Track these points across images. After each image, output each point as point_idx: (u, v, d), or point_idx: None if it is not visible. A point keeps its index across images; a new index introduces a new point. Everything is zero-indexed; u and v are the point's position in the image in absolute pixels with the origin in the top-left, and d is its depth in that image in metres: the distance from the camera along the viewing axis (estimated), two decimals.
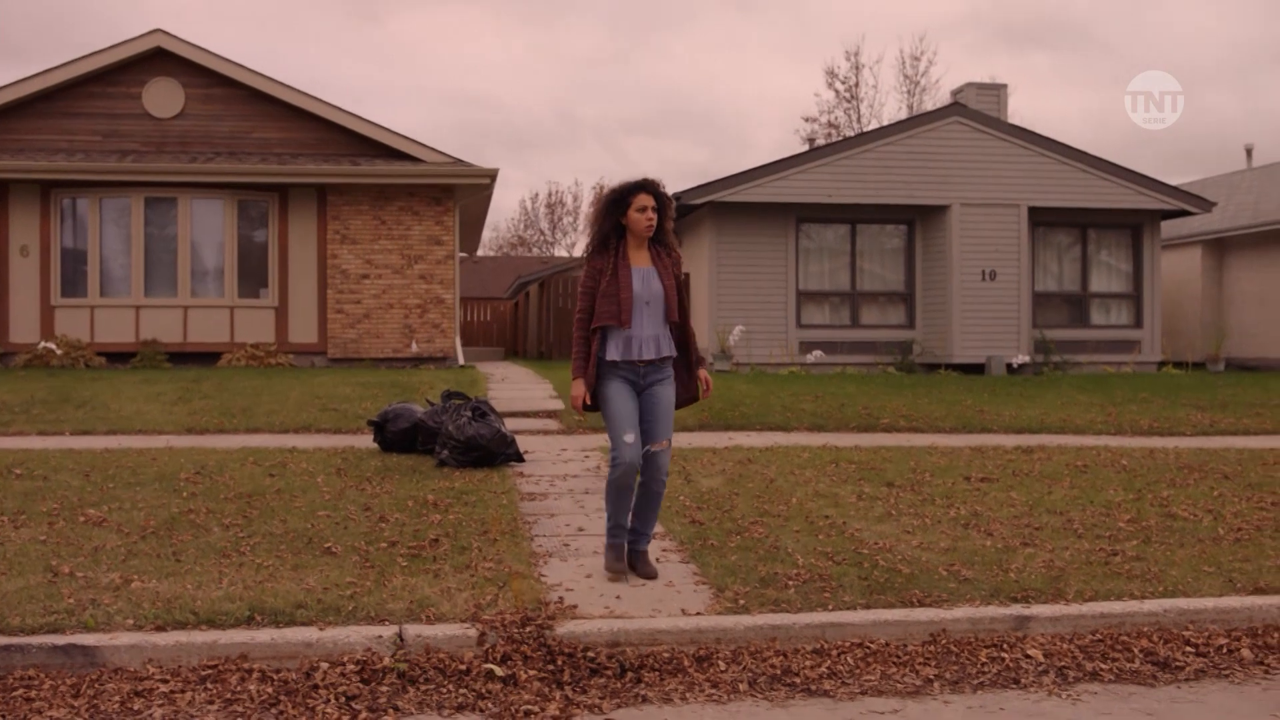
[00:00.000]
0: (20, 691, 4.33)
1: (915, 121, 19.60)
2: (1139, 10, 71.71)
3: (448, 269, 18.04)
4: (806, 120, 42.63)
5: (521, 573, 5.59)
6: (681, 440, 10.48)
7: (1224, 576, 5.78)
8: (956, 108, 19.40)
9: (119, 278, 17.39)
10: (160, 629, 4.74)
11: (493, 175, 17.74)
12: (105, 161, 17.07)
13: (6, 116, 17.67)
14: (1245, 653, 4.99)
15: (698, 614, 5.04)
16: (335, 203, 17.76)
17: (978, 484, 8.22)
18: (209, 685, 4.41)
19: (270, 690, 4.37)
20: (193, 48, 17.85)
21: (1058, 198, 19.13)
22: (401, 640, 4.72)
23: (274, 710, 4.23)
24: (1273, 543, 6.52)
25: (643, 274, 5.56)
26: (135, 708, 4.22)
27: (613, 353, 5.52)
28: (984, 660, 4.83)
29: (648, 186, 5.59)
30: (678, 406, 5.72)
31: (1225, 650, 5.01)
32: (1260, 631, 5.23)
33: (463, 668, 4.57)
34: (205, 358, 17.13)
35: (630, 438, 5.46)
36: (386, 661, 4.59)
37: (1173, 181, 22.45)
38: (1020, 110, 67.31)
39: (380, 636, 4.72)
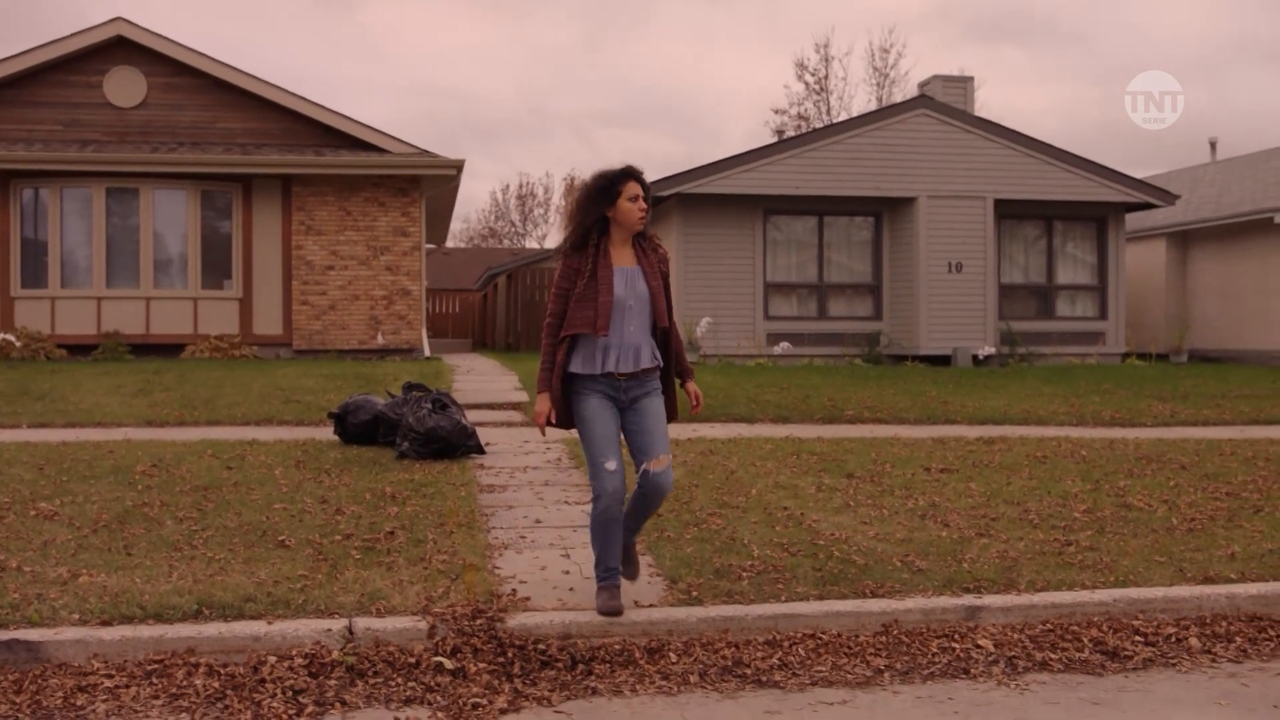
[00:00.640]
0: None
1: (882, 114, 19.64)
2: (1107, 4, 72.16)
3: (414, 260, 17.96)
4: (776, 112, 42.67)
5: (475, 565, 5.57)
6: None
7: (1175, 566, 5.82)
8: (923, 100, 19.45)
9: (80, 269, 17.22)
10: (106, 624, 4.69)
11: (459, 166, 17.67)
12: (66, 151, 16.89)
13: None
14: (1193, 642, 5.03)
15: (650, 606, 5.03)
16: (300, 193, 17.64)
17: (937, 475, 8.25)
18: (154, 680, 4.36)
19: (217, 685, 4.33)
20: (154, 36, 17.68)
21: (1024, 190, 19.23)
22: (351, 633, 4.69)
23: (219, 705, 4.19)
24: (1225, 532, 6.58)
25: (626, 274, 4.90)
26: (78, 703, 4.17)
27: (583, 365, 4.87)
28: (935, 650, 4.85)
29: (636, 174, 4.96)
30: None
31: (1173, 639, 5.05)
32: (1208, 621, 5.27)
33: (412, 661, 4.55)
34: (168, 349, 16.98)
35: (612, 465, 4.81)
36: (335, 655, 4.55)
37: (1138, 175, 22.62)
38: (990, 103, 67.61)
39: (329, 630, 4.68)
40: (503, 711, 4.17)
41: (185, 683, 4.34)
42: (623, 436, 5.02)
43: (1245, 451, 9.58)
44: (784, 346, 18.65)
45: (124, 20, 17.58)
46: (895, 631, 4.98)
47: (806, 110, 40.95)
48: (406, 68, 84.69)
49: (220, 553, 5.75)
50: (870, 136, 18.87)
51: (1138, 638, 5.06)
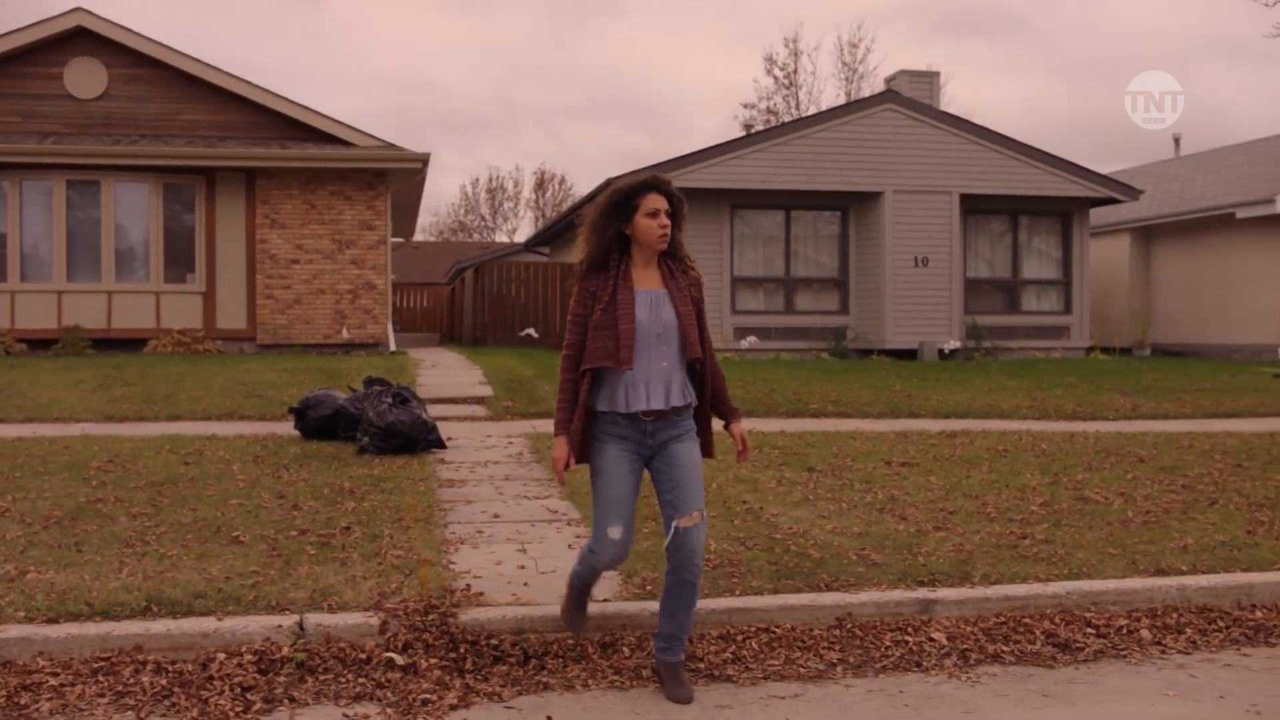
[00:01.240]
0: None
1: (849, 109, 19.70)
2: (1067, 2, 72.63)
3: (380, 254, 17.85)
4: (746, 106, 42.80)
5: (430, 560, 5.53)
6: None
7: (1128, 558, 5.86)
8: (890, 95, 19.51)
9: (41, 262, 17.00)
10: (52, 621, 4.63)
11: (425, 159, 17.57)
12: (25, 143, 16.67)
13: None
14: (1144, 633, 5.07)
15: (604, 600, 5.01)
16: (264, 187, 17.49)
17: (898, 468, 8.28)
18: (101, 678, 4.31)
19: (164, 682, 4.29)
20: (115, 27, 17.48)
21: (989, 185, 19.33)
22: (302, 629, 4.65)
23: (166, 702, 4.15)
24: (1178, 525, 6.63)
25: (650, 298, 4.29)
26: (22, 702, 4.12)
27: (606, 402, 4.27)
28: (888, 644, 4.86)
29: (658, 185, 4.32)
30: None
31: (1125, 631, 5.09)
32: (1160, 612, 5.31)
33: (363, 657, 4.52)
34: (130, 344, 16.80)
35: (616, 532, 4.26)
36: (285, 651, 4.52)
37: (1104, 170, 22.82)
38: (959, 98, 68.00)
39: (280, 626, 4.64)
40: (453, 707, 4.15)
41: (132, 680, 4.29)
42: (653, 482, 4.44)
43: (1202, 444, 9.67)
44: (751, 340, 18.68)
45: (84, 11, 17.37)
46: (849, 625, 4.99)
47: (776, 105, 41.05)
48: (374, 61, 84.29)
49: (173, 549, 5.69)
50: (837, 131, 18.92)
51: (1089, 630, 5.09)
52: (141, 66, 17.75)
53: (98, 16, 17.44)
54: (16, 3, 44.43)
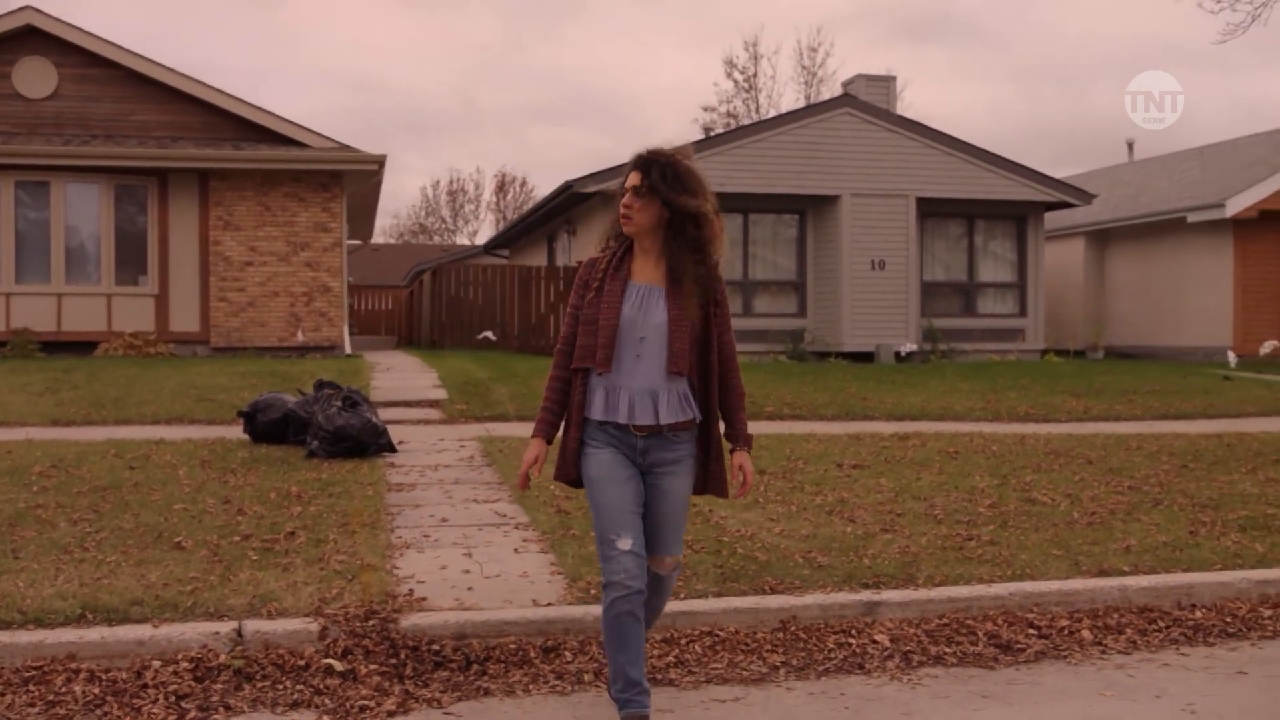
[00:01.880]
0: None
1: (806, 112, 19.77)
2: (1026, 6, 73.39)
3: (335, 256, 17.73)
4: (706, 109, 42.89)
5: (374, 565, 5.49)
6: None
7: (1072, 559, 5.90)
8: (847, 99, 19.61)
9: None
10: None
11: (381, 161, 17.47)
12: None
13: None
14: (1085, 634, 5.11)
15: (549, 605, 4.99)
16: (218, 188, 17.33)
17: (849, 471, 8.30)
18: (32, 687, 4.24)
19: (97, 691, 4.22)
20: (66, 26, 17.26)
21: (945, 189, 19.47)
22: (240, 636, 4.59)
23: (99, 711, 4.08)
24: (1123, 525, 6.69)
25: (643, 293, 3.77)
26: None
27: (595, 407, 3.78)
28: (832, 646, 4.87)
29: (639, 158, 3.81)
30: (696, 492, 3.97)
31: (1066, 632, 5.12)
32: (1101, 613, 5.35)
33: (302, 663, 4.47)
34: (81, 347, 16.58)
35: (627, 542, 3.70)
36: (223, 658, 4.46)
37: (1059, 174, 23.04)
38: (917, 103, 68.52)
39: (218, 633, 4.58)
40: (391, 714, 4.11)
41: (64, 689, 4.22)
42: None
43: (1150, 446, 9.77)
44: None
45: (34, 9, 17.13)
46: (793, 628, 4.99)
47: (736, 108, 41.17)
48: (335, 62, 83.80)
49: (112, 555, 5.61)
50: (795, 135, 18.99)
51: (1031, 630, 5.12)
52: (92, 66, 17.54)
53: (48, 15, 17.21)
54: None
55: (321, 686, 4.32)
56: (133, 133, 17.62)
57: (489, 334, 19.84)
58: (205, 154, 16.99)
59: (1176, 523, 6.78)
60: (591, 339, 3.76)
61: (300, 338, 17.50)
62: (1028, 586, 5.42)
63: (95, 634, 4.52)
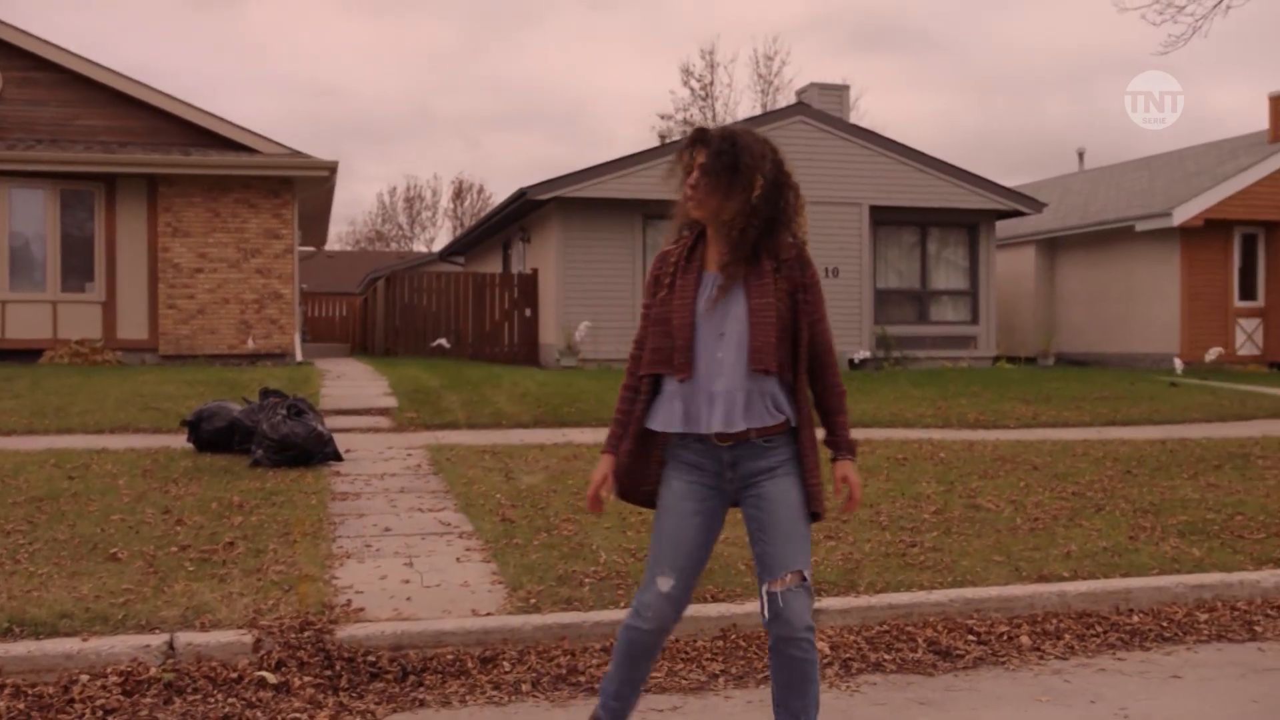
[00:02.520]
0: None
1: (759, 120, 19.83)
2: (979, 17, 74.19)
3: (287, 263, 17.56)
4: (663, 117, 42.84)
5: (312, 575, 5.42)
6: (512, 437, 10.40)
7: (1012, 565, 5.94)
8: (800, 107, 19.70)
9: None
10: None
11: (332, 167, 17.34)
12: None
13: None
14: (1024, 640, 5.13)
15: (488, 614, 4.95)
16: (167, 194, 17.11)
17: None
18: None
19: (22, 706, 4.13)
20: (10, 29, 17.00)
21: (898, 197, 19.60)
22: (172, 649, 4.51)
23: None
24: (1065, 531, 6.74)
25: (717, 283, 3.34)
26: None
27: (664, 419, 3.36)
28: None
29: (702, 134, 3.37)
30: None
31: (1005, 638, 5.15)
32: (1040, 618, 5.38)
33: (234, 676, 4.40)
34: (25, 355, 16.29)
35: (667, 583, 3.37)
36: (153, 672, 4.38)
37: (1011, 184, 23.28)
38: (872, 111, 68.97)
39: (149, 646, 4.50)
40: None
41: None
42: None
43: (1096, 452, 9.87)
44: None
45: None
46: (733, 636, 4.98)
47: (692, 116, 41.25)
48: (291, 68, 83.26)
49: (44, 567, 5.50)
50: None
51: (971, 637, 5.14)
52: (38, 69, 17.28)
53: None
54: None
55: (254, 699, 4.25)
56: (79, 137, 17.37)
57: (443, 341, 19.74)
58: (154, 159, 16.78)
59: (1117, 528, 6.84)
60: (665, 340, 3.33)
61: (251, 345, 17.31)
62: (968, 593, 5.45)
63: (21, 648, 4.43)
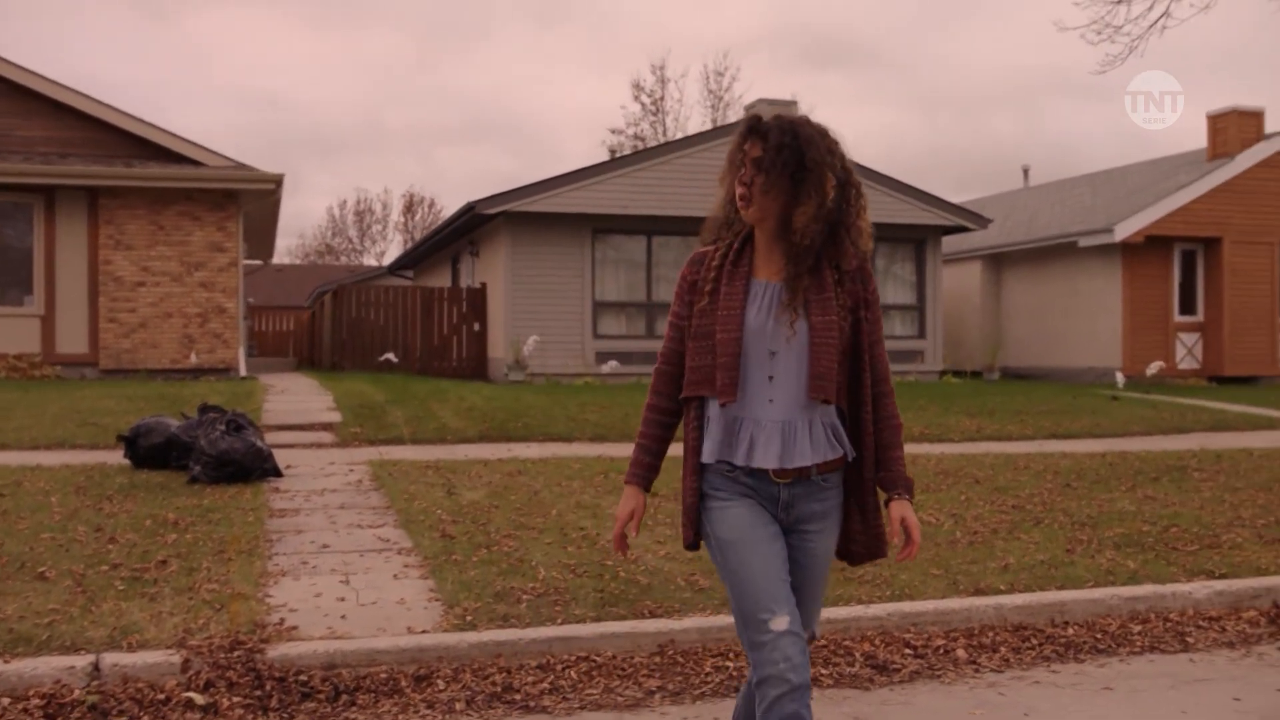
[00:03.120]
0: None
1: (710, 135, 19.92)
2: (927, 35, 75.11)
3: (231, 277, 17.36)
4: (614, 132, 42.91)
5: (245, 594, 5.34)
6: (457, 452, 10.33)
7: (950, 579, 5.97)
8: None
9: None
10: None
11: (278, 180, 17.18)
12: None
13: None
14: (960, 653, 5.16)
15: (423, 632, 4.90)
16: (108, 206, 16.86)
17: None
18: None
19: None
20: None
21: None
22: (98, 670, 4.42)
23: None
24: (1003, 544, 6.79)
25: (771, 295, 2.91)
26: None
27: (716, 449, 2.90)
28: (709, 670, 4.84)
29: (754, 123, 2.95)
30: (852, 563, 3.09)
31: (942, 651, 5.17)
32: (976, 631, 5.41)
33: (161, 698, 4.31)
34: None
35: (784, 621, 2.79)
36: (77, 694, 4.29)
37: (957, 199, 23.53)
38: None
39: (73, 667, 4.41)
40: None
41: None
42: None
43: (1038, 465, 9.97)
44: (612, 365, 18.69)
45: None
46: (671, 652, 4.96)
47: (643, 131, 41.39)
48: (239, 79, 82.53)
49: None
50: (697, 158, 19.10)
51: (908, 650, 5.16)
52: None
53: None
54: None
55: None
56: (18, 148, 17.08)
57: (390, 356, 19.60)
58: (95, 171, 16.54)
59: (1055, 541, 6.91)
60: (707, 358, 2.89)
61: (193, 360, 17.08)
62: (905, 606, 5.47)
63: None
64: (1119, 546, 6.80)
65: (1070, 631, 5.48)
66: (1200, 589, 5.94)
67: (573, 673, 4.73)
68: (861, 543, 3.01)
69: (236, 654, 4.55)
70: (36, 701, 4.23)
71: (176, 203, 17.07)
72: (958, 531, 7.13)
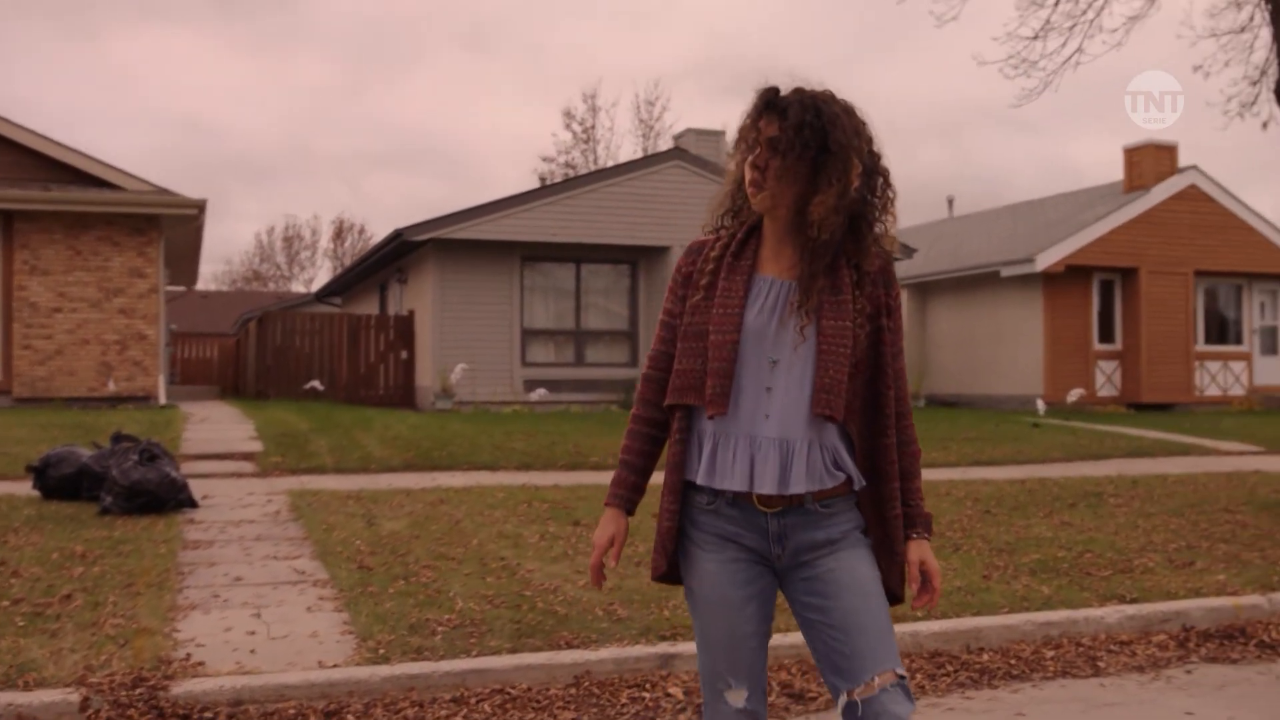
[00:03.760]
0: None
1: (638, 164, 20.01)
2: (851, 69, 76.39)
3: (151, 303, 17.05)
4: (545, 160, 42.94)
5: (151, 628, 5.20)
6: (380, 482, 10.20)
7: None
8: (677, 152, 19.94)
9: None
10: None
11: (201, 205, 16.94)
12: None
13: None
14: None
15: (334, 666, 4.80)
16: (24, 230, 16.50)
17: None
18: None
19: None
20: None
21: None
22: None
23: None
24: None
25: (777, 294, 2.54)
26: None
27: (698, 468, 2.54)
28: (624, 701, 4.80)
29: (770, 96, 2.54)
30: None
31: None
32: None
33: None
34: None
35: (741, 696, 2.56)
36: None
37: None
38: None
39: None
40: None
41: None
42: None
43: (959, 491, 10.08)
44: (541, 393, 18.63)
45: None
46: (587, 683, 4.92)
47: (574, 159, 41.47)
48: (164, 104, 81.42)
49: None
50: (627, 186, 19.18)
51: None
52: None
53: None
54: None
55: None
56: None
57: (316, 384, 19.35)
58: (10, 195, 16.17)
59: (972, 567, 6.97)
60: (697, 361, 2.52)
61: (112, 388, 16.72)
62: None
63: None
64: (1034, 572, 6.88)
65: (985, 658, 5.52)
66: (1112, 613, 6.02)
67: (486, 705, 4.66)
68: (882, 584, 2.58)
69: (139, 691, 4.42)
70: None
71: (95, 227, 16.75)
72: None
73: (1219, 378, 22.72)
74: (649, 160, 20.19)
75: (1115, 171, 24.84)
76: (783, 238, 2.57)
